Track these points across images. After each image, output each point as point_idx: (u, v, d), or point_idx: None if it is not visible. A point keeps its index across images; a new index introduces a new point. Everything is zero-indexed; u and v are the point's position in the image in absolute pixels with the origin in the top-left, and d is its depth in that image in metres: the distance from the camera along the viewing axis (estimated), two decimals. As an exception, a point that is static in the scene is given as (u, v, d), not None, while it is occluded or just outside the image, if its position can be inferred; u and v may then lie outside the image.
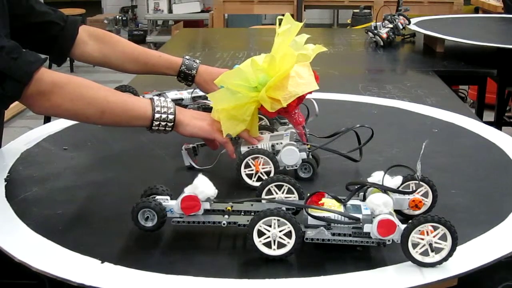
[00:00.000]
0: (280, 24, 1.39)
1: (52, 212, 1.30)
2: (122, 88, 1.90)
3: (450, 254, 1.05)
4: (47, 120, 3.82)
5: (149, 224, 1.16)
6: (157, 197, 1.18)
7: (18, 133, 1.82)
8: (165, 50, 3.46)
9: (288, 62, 1.36)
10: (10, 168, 1.52)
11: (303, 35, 1.43)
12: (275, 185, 1.24)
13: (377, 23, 3.33)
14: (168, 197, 1.18)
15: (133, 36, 9.64)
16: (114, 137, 1.76)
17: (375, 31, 3.26)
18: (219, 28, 5.39)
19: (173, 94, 1.93)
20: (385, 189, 1.16)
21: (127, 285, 1.02)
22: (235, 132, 1.44)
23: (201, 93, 1.92)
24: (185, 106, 1.87)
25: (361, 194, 1.19)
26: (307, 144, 1.44)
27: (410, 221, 1.06)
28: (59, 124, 1.85)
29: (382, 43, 3.20)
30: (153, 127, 1.41)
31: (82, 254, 1.11)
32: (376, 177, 1.21)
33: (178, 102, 1.89)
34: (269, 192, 1.24)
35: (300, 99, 1.40)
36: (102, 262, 1.09)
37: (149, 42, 8.92)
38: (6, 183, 1.43)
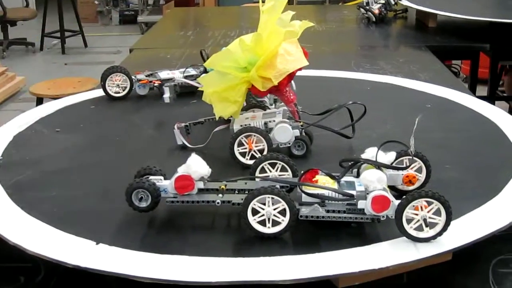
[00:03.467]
0: (264, 1, 1.38)
1: (46, 195, 1.29)
2: (113, 69, 1.90)
3: (444, 229, 1.05)
4: (39, 102, 3.82)
5: (143, 204, 1.15)
6: (151, 177, 1.18)
7: (11, 116, 1.81)
8: (156, 30, 3.45)
9: (276, 40, 1.36)
10: (2, 151, 1.51)
11: (288, 12, 1.42)
12: (269, 163, 1.23)
13: (369, -1, 3.32)
14: (161, 177, 1.18)
15: (124, 16, 9.61)
16: (107, 118, 1.76)
17: (367, 7, 3.25)
18: (211, 7, 5.39)
19: (165, 74, 1.93)
20: (378, 165, 1.16)
21: (122, 265, 1.02)
22: (227, 114, 1.44)
23: (193, 73, 1.92)
24: (176, 85, 1.87)
25: (355, 170, 1.19)
26: (300, 122, 1.44)
27: (404, 196, 1.06)
28: (51, 107, 1.84)
29: (374, 19, 3.19)
30: None
31: (77, 236, 1.11)
32: (370, 153, 1.21)
33: (169, 81, 1.88)
34: (263, 170, 1.24)
35: (291, 76, 1.39)
36: (97, 244, 1.08)
37: (140, 22, 8.89)
38: (-1, 166, 1.43)
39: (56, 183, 1.36)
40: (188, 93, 1.90)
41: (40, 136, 1.64)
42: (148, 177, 1.18)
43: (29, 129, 1.67)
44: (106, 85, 1.91)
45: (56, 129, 1.67)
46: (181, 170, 1.16)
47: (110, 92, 1.91)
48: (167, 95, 1.82)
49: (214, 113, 1.46)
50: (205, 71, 1.86)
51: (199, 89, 1.49)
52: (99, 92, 1.95)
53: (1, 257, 1.16)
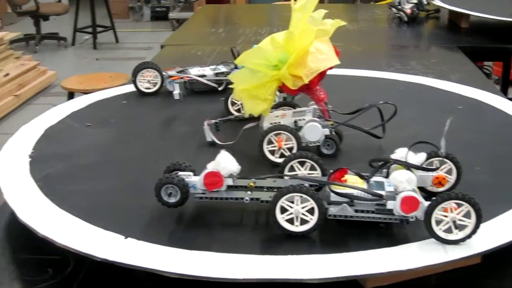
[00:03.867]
0: (296, 0, 1.38)
1: (75, 188, 1.31)
2: (145, 65, 1.91)
3: (474, 231, 1.05)
4: (70, 97, 3.85)
5: (172, 200, 1.16)
6: (180, 173, 1.18)
7: (42, 109, 1.83)
8: (187, 26, 3.46)
9: (307, 38, 1.36)
10: (34, 145, 1.53)
11: (320, 10, 1.41)
12: (298, 162, 1.23)
13: (401, -1, 3.30)
14: (191, 173, 1.19)
15: (156, 12, 9.66)
16: (137, 113, 1.77)
17: (399, 7, 3.23)
18: (242, 4, 5.39)
19: (196, 71, 1.93)
20: (408, 166, 1.16)
21: (150, 260, 1.02)
22: (257, 112, 1.44)
23: (223, 70, 1.92)
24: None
25: (384, 170, 1.18)
26: (330, 121, 1.43)
27: (434, 198, 1.05)
28: (82, 101, 1.86)
29: (406, 19, 3.17)
30: None
31: (106, 229, 1.12)
32: (400, 153, 1.20)
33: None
34: (292, 169, 1.24)
35: (322, 75, 1.39)
36: (126, 238, 1.09)
37: (172, 19, 8.92)
38: (30, 159, 1.44)
39: (86, 177, 1.37)
40: (218, 90, 1.90)
41: (71, 130, 1.65)
42: (177, 173, 1.18)
43: (61, 123, 1.69)
44: (137, 80, 1.92)
45: (87, 123, 1.69)
46: (211, 167, 1.16)
47: (141, 88, 1.92)
48: (176, 91, 1.83)
49: (244, 111, 1.46)
50: (236, 68, 1.86)
51: (230, 86, 1.49)
52: (130, 88, 1.96)
53: (31, 249, 1.17)
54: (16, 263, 1.14)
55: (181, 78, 1.89)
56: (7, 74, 5.66)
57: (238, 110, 1.69)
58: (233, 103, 1.71)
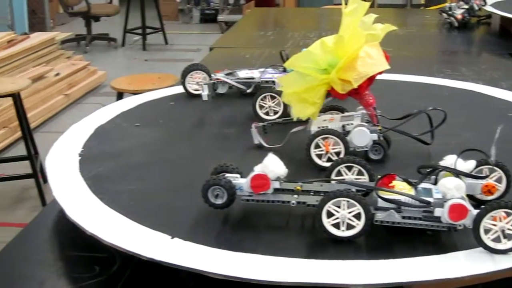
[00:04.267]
0: (346, 4, 1.38)
1: (124, 188, 1.32)
2: (194, 67, 1.92)
3: (523, 241, 1.03)
4: (119, 97, 3.89)
5: (219, 201, 1.16)
6: (227, 175, 1.19)
7: (91, 109, 1.85)
8: (236, 29, 3.47)
9: (357, 43, 1.35)
10: (84, 143, 1.55)
11: (370, 14, 1.41)
12: (345, 166, 1.23)
13: (452, 4, 3.27)
14: (238, 175, 1.19)
15: (205, 14, 9.72)
16: (185, 115, 1.78)
17: (450, 12, 3.20)
18: (291, 8, 5.39)
19: (244, 73, 1.93)
20: (457, 173, 1.14)
21: (196, 261, 1.03)
22: (305, 115, 1.43)
23: (272, 73, 1.92)
24: (256, 86, 1.88)
25: (433, 177, 1.17)
26: (378, 126, 1.43)
27: (483, 206, 1.04)
28: (132, 102, 1.88)
29: (456, 24, 3.14)
30: None
31: (152, 229, 1.13)
32: (449, 160, 1.19)
33: (248, 81, 1.89)
34: (339, 173, 1.23)
35: (371, 79, 1.38)
36: (172, 238, 1.10)
37: (221, 21, 8.97)
38: (80, 158, 1.46)
39: (134, 176, 1.38)
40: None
41: (121, 130, 1.67)
42: (224, 175, 1.19)
43: (110, 123, 1.71)
44: (186, 82, 1.93)
45: (136, 123, 1.70)
46: (258, 169, 1.17)
47: (189, 89, 1.93)
48: (205, 92, 1.83)
49: (291, 114, 1.46)
50: (285, 71, 1.86)
51: (278, 89, 1.49)
52: (178, 89, 1.97)
53: (78, 246, 1.18)
54: (64, 260, 1.16)
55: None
56: (58, 74, 5.75)
57: (267, 113, 1.69)
58: (261, 106, 1.70)
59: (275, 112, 1.70)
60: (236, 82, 1.88)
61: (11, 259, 1.17)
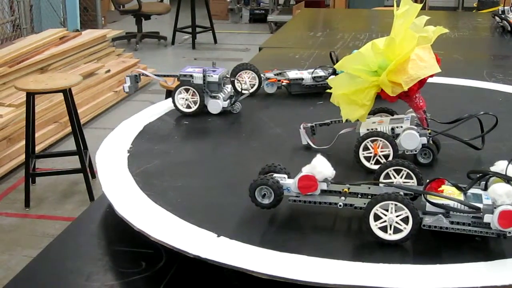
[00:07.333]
0: (398, 5, 1.37)
1: (171, 185, 1.33)
2: (243, 66, 1.93)
3: None
4: (168, 95, 3.92)
5: (266, 201, 1.16)
6: (275, 175, 1.19)
7: (140, 106, 1.87)
8: (286, 29, 3.47)
9: (409, 45, 1.34)
10: (133, 140, 1.56)
11: (422, 16, 1.39)
12: (394, 169, 1.22)
13: (505, 7, 3.22)
14: (285, 176, 1.19)
15: (254, 14, 9.75)
16: (233, 114, 1.78)
17: (503, 16, 3.15)
18: (341, 9, 5.37)
19: (294, 74, 1.93)
20: (508, 179, 1.12)
21: (241, 260, 1.03)
22: (354, 117, 1.43)
23: (321, 73, 1.92)
24: (306, 86, 1.88)
25: (483, 183, 1.15)
26: (428, 129, 1.41)
27: (534, 213, 1.02)
28: (180, 99, 1.89)
29: (509, 28, 3.09)
30: None
31: (199, 227, 1.13)
32: (500, 166, 1.17)
33: (298, 81, 1.89)
34: (387, 176, 1.22)
35: (421, 82, 1.37)
36: (218, 236, 1.10)
37: (270, 21, 8.98)
38: (128, 154, 1.47)
39: (182, 173, 1.39)
40: (315, 93, 1.90)
41: (169, 127, 1.68)
42: (272, 175, 1.19)
43: (159, 120, 1.72)
44: (235, 81, 1.93)
45: (185, 121, 1.71)
46: (306, 170, 1.16)
47: (238, 89, 1.93)
48: (127, 84, 1.85)
49: (340, 115, 1.46)
50: (334, 72, 1.85)
51: (327, 90, 1.49)
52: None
53: (125, 242, 1.19)
54: (111, 254, 1.17)
55: (278, 80, 1.89)
56: (108, 71, 5.82)
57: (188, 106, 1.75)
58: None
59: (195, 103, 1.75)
60: (157, 76, 1.92)
61: (59, 252, 1.19)
